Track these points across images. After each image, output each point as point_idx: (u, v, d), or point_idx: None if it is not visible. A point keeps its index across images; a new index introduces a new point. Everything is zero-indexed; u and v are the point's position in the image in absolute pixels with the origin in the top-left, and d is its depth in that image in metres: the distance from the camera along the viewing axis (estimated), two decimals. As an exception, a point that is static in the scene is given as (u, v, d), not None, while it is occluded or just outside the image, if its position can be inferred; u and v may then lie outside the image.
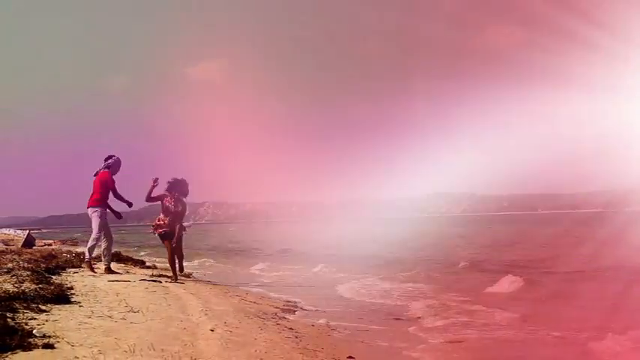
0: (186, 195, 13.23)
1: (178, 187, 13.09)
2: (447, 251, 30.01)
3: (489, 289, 14.27)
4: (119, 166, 12.67)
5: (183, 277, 14.28)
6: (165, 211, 12.97)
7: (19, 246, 22.81)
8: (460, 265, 21.22)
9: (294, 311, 10.59)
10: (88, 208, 12.48)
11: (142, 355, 5.42)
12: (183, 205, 13.12)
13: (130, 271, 14.33)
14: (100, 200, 12.46)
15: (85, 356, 5.20)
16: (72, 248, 27.13)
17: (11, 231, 27.13)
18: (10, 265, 11.25)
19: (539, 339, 8.72)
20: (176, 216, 12.99)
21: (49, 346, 5.39)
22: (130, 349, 5.53)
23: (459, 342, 8.53)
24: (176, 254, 13.14)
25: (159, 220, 13.09)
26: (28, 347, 5.28)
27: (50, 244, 32.19)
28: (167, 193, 13.01)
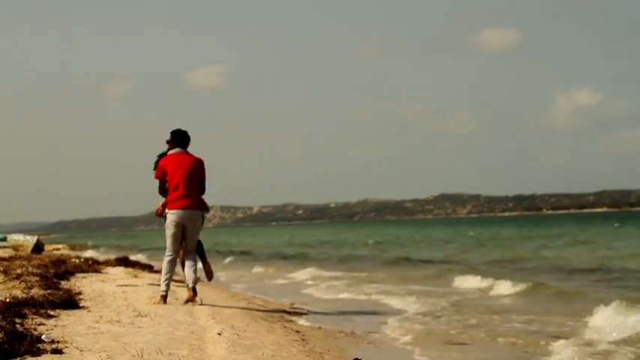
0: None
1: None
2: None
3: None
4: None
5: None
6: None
7: (29, 251, 22.94)
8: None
9: (302, 314, 10.60)
10: (193, 209, 8.83)
11: (150, 360, 5.46)
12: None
13: (138, 275, 14.40)
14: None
15: (93, 361, 5.25)
16: (80, 253, 27.27)
17: (20, 236, 27.32)
18: (19, 271, 11.35)
19: None
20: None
21: (57, 352, 5.45)
22: (138, 354, 5.58)
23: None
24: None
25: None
26: (37, 353, 5.33)
27: (59, 249, 32.33)
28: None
